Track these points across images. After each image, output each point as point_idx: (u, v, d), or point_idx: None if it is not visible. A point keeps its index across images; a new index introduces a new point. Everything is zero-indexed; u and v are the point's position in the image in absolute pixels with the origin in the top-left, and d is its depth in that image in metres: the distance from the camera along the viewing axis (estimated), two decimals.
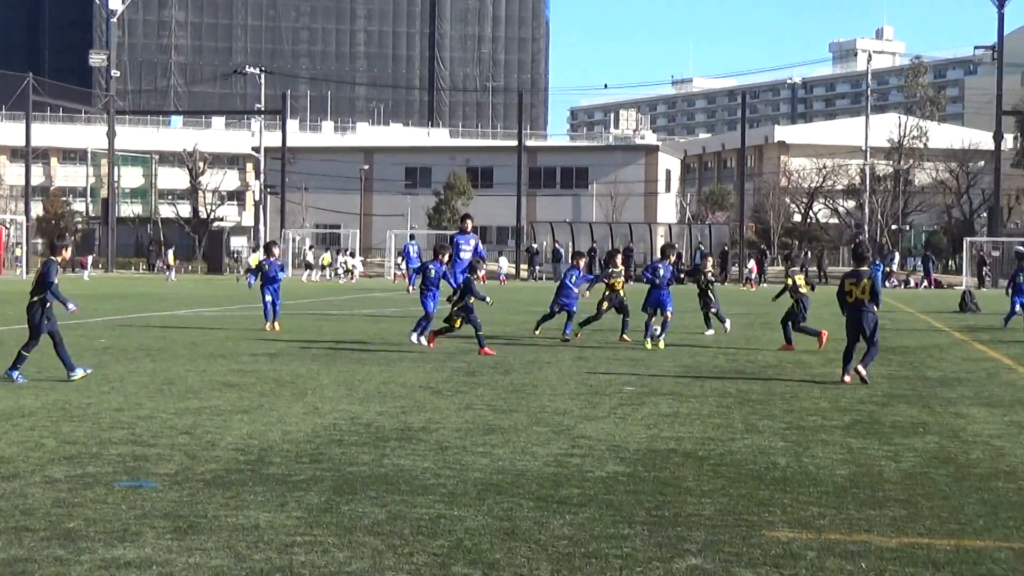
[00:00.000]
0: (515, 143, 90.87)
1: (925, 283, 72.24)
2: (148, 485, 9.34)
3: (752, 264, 73.69)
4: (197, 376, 17.15)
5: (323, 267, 77.04)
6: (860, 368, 16.84)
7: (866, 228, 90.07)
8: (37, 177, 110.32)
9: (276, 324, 26.39)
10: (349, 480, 9.64)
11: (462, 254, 25.88)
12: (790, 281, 23.91)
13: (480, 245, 26.72)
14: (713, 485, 9.66)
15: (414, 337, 22.13)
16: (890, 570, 7.26)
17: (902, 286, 71.20)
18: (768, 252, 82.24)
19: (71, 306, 16.72)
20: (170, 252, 76.12)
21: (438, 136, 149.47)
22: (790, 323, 23.17)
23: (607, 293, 25.56)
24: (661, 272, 24.10)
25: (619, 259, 26.72)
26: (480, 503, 8.86)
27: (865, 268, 17.24)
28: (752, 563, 7.35)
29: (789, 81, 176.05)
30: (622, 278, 25.72)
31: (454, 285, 22.89)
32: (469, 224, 27.11)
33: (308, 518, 8.31)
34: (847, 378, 16.99)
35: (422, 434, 12.02)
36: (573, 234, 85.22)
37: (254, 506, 8.66)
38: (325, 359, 19.91)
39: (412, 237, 59.19)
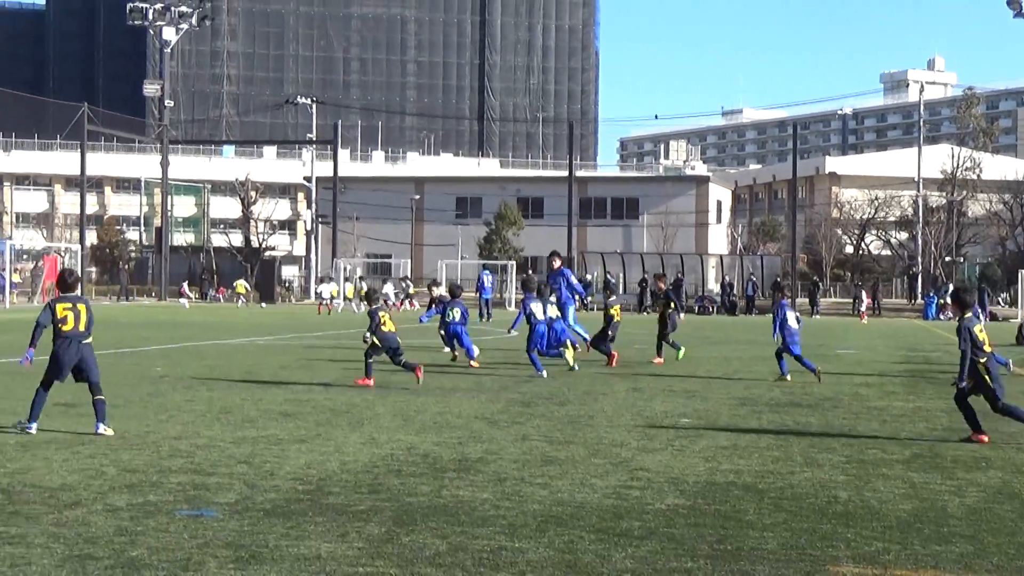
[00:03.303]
0: (565, 173, 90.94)
1: (981, 315, 71.51)
2: (209, 514, 9.36)
3: (865, 295, 72.48)
4: (253, 405, 17.20)
5: (348, 298, 75.90)
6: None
7: (919, 260, 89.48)
8: (92, 206, 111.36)
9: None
10: (409, 511, 9.63)
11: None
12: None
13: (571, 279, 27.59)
14: (775, 519, 9.58)
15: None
16: None
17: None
18: (820, 283, 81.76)
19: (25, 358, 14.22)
20: (239, 282, 76.86)
21: (488, 166, 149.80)
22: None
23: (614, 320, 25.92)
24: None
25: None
26: (540, 535, 8.82)
27: (969, 315, 15.53)
28: None
29: (840, 112, 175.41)
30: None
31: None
32: (557, 262, 27.90)
33: (369, 549, 8.30)
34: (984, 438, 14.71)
35: (480, 465, 12.00)
36: (624, 265, 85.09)
37: (315, 536, 8.66)
38: (379, 389, 19.92)
39: (485, 267, 59.07)
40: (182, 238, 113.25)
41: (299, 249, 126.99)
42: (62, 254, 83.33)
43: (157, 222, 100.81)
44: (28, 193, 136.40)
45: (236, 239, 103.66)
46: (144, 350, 29.16)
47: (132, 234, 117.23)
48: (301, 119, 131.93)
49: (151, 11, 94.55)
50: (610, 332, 26.15)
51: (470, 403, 17.93)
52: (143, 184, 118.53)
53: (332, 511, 9.56)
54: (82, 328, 13.78)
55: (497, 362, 25.95)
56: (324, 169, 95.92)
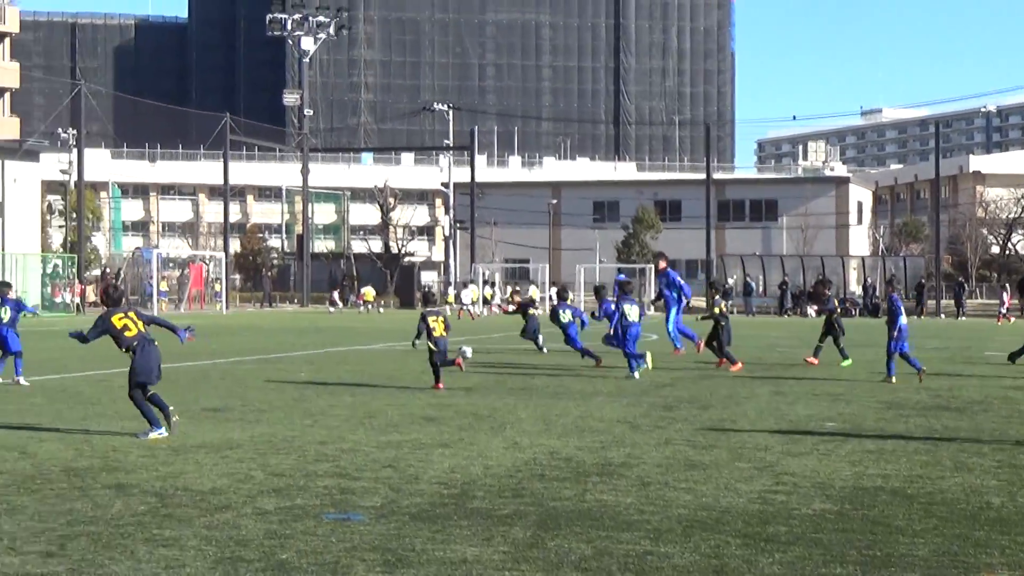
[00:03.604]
0: (702, 176, 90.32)
1: None
2: (356, 518, 9.46)
3: (1007, 296, 70.64)
4: (396, 410, 17.34)
5: (473, 302, 75.88)
6: None
7: None
8: (234, 214, 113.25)
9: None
10: (553, 515, 9.63)
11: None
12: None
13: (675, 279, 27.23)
14: (925, 524, 9.40)
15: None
16: None
17: None
18: (966, 285, 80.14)
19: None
20: (366, 288, 77.62)
21: (625, 170, 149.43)
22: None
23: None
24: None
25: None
26: (686, 540, 8.77)
27: None
28: None
29: (983, 109, 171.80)
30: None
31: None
32: (662, 263, 27.69)
33: (515, 553, 8.32)
34: None
35: (623, 469, 11.96)
36: (764, 267, 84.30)
37: (460, 540, 8.70)
38: (520, 393, 19.97)
39: (620, 271, 58.88)
40: (323, 245, 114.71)
41: (438, 255, 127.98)
42: (207, 262, 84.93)
43: (298, 229, 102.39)
44: (173, 202, 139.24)
45: (376, 245, 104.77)
46: (288, 355, 29.58)
47: (274, 241, 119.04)
48: (438, 125, 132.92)
49: (290, 22, 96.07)
50: (721, 335, 25.70)
51: (611, 407, 17.89)
52: (284, 192, 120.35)
53: (477, 515, 9.60)
54: (144, 329, 14.37)
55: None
56: (461, 175, 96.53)
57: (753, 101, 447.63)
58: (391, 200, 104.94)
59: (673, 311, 28.39)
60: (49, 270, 72.14)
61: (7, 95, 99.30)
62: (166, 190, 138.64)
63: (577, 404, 18.31)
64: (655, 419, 16.39)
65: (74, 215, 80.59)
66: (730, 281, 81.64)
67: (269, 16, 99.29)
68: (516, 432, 14.84)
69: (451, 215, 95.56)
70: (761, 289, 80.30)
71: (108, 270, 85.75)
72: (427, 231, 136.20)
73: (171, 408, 14.36)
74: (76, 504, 9.93)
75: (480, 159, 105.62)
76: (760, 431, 15.15)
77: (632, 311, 24.07)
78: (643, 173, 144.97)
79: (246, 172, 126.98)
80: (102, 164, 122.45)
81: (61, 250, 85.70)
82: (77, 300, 68.86)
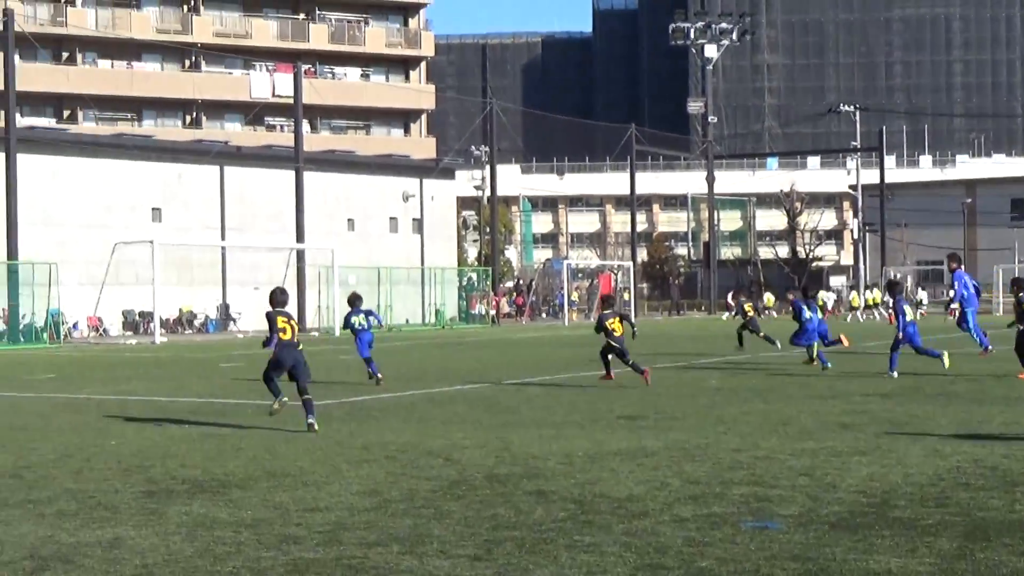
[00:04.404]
0: None
1: None
2: (774, 527, 9.36)
3: None
4: (810, 417, 17.09)
5: (853, 307, 73.80)
6: None
7: None
8: (641, 224, 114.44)
9: None
10: (981, 526, 9.26)
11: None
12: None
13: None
14: None
15: None
16: None
17: None
18: None
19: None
20: (766, 295, 76.99)
21: None
22: None
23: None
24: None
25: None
26: None
27: None
28: None
29: None
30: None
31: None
32: (953, 264, 28.01)
33: (941, 565, 8.04)
34: None
35: None
36: None
37: (883, 550, 8.48)
38: (940, 400, 19.32)
39: None
40: (729, 252, 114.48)
41: (846, 259, 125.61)
42: (615, 271, 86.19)
43: (704, 237, 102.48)
44: (581, 214, 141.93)
45: (782, 251, 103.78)
46: (697, 363, 29.64)
47: (680, 249, 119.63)
48: (844, 127, 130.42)
49: (693, 30, 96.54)
50: None
51: None
52: (689, 200, 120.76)
53: (899, 525, 9.33)
54: (294, 337, 16.54)
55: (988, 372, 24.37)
56: (870, 176, 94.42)
57: None
58: (797, 204, 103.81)
59: (970, 312, 27.57)
60: (465, 283, 74.90)
61: (424, 116, 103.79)
62: (574, 202, 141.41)
63: (1001, 410, 17.56)
64: None
65: (487, 229, 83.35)
66: None
67: (672, 26, 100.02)
68: (936, 439, 14.35)
69: (860, 218, 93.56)
70: None
71: (520, 281, 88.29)
72: (835, 235, 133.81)
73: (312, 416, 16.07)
74: (499, 510, 10.24)
75: (889, 159, 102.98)
76: None
77: (907, 311, 24.56)
78: None
79: (651, 181, 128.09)
80: (513, 179, 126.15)
81: (476, 263, 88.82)
82: (492, 312, 71.06)
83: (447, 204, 77.13)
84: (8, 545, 9.04)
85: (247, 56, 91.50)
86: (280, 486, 11.62)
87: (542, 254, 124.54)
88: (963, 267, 28.80)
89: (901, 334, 24.02)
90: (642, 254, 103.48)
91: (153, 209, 61.64)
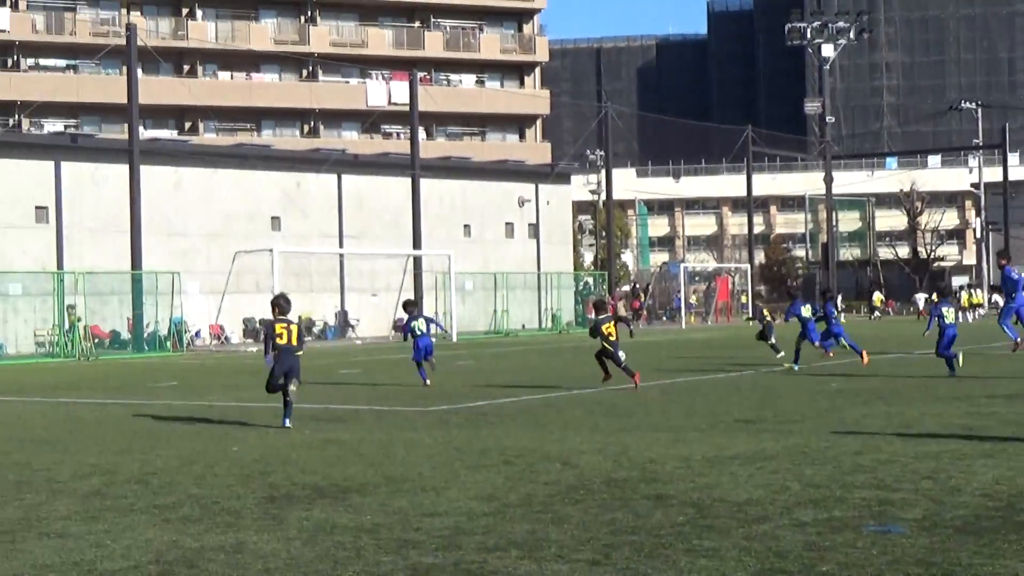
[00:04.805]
0: None
1: None
2: (897, 530, 9.22)
3: None
4: (933, 419, 16.83)
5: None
6: None
7: None
8: (758, 226, 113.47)
9: None
10: None
11: None
12: None
13: None
14: None
15: None
16: None
17: None
18: None
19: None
20: (875, 294, 76.08)
21: None
22: None
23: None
24: None
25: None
26: None
27: None
28: None
29: None
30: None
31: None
32: (1003, 262, 29.39)
33: None
34: None
35: None
36: None
37: (1010, 555, 8.31)
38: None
39: None
40: (848, 253, 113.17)
41: (969, 258, 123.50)
42: (732, 274, 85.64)
43: (823, 238, 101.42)
44: (698, 217, 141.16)
45: (902, 251, 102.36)
46: (826, 364, 29.33)
47: (798, 251, 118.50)
48: (965, 125, 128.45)
49: (809, 30, 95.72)
50: None
51: None
52: (807, 201, 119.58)
53: None
54: (294, 342, 17.41)
55: None
56: (992, 175, 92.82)
57: None
58: (918, 204, 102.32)
59: (1009, 307, 29.05)
60: (581, 287, 74.87)
61: (538, 121, 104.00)
62: (690, 205, 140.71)
63: None
64: None
65: (603, 233, 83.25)
66: None
67: (788, 26, 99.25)
68: None
69: (982, 217, 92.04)
70: None
71: (637, 285, 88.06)
72: (957, 234, 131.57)
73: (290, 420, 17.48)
74: (618, 514, 10.21)
75: (1012, 156, 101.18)
76: None
77: (949, 313, 24.77)
78: None
79: (768, 183, 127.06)
80: (628, 182, 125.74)
81: (592, 267, 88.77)
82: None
83: (563, 209, 77.18)
84: (135, 549, 9.21)
85: (363, 65, 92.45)
86: (399, 491, 11.69)
87: (658, 257, 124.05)
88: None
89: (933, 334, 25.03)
90: (759, 256, 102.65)
91: (272, 218, 62.45)
